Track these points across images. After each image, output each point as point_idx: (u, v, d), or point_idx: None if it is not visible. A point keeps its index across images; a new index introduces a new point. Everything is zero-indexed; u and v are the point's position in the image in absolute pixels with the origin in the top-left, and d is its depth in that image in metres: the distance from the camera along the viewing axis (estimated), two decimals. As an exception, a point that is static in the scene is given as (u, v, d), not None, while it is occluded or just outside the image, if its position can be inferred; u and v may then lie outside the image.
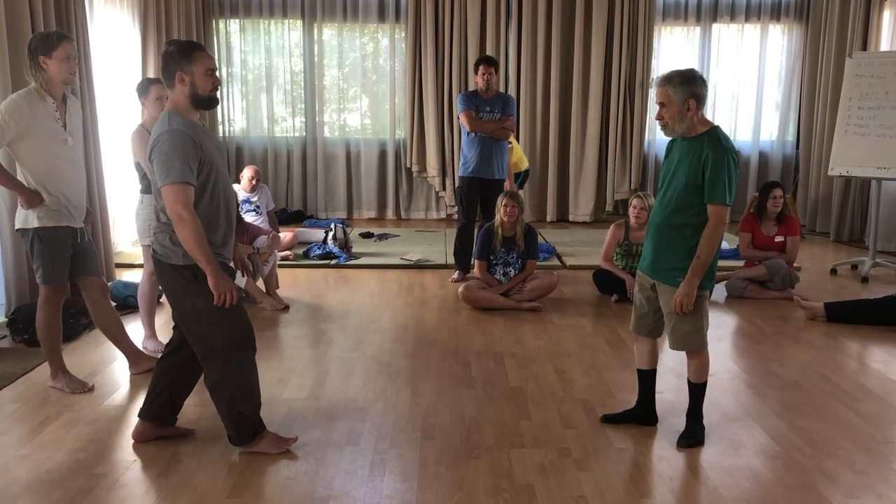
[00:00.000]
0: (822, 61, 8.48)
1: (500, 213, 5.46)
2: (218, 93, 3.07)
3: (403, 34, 9.04)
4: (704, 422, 3.43)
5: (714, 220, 3.12)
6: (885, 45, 7.64)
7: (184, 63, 2.94)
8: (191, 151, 2.89)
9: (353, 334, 4.88)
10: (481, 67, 6.09)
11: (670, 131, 3.22)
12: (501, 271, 5.57)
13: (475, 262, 5.70)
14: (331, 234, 7.22)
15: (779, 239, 5.91)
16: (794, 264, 6.01)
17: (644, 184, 9.13)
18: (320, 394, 3.88)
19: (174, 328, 3.29)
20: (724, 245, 7.23)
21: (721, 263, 6.66)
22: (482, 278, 5.58)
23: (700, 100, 3.15)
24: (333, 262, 6.84)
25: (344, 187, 9.39)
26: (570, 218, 9.29)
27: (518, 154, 7.55)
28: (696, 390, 3.39)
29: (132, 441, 3.32)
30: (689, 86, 3.12)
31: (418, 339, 4.79)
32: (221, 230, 3.05)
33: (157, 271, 3.10)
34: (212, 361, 3.09)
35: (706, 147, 3.12)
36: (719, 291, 5.95)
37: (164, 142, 2.89)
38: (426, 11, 8.82)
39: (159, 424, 3.32)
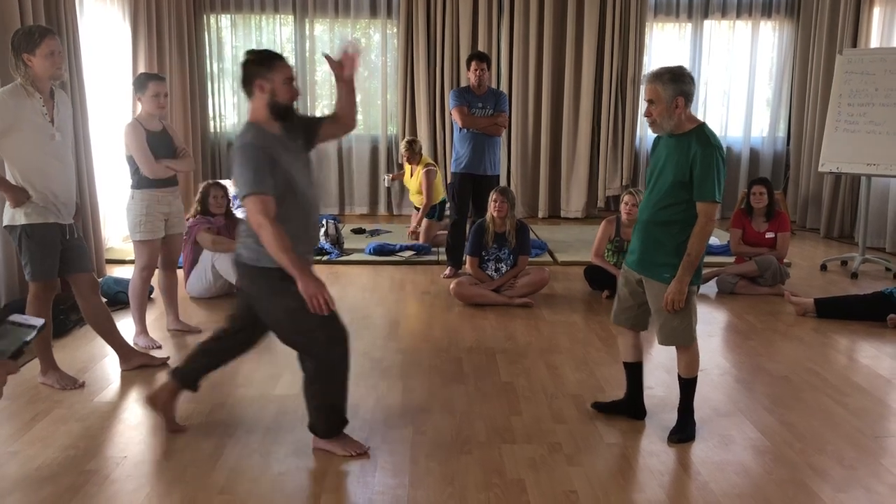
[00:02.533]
0: (813, 58, 8.51)
1: (491, 209, 5.47)
2: (296, 104, 3.09)
3: (395, 30, 9.03)
4: (695, 417, 3.45)
5: (703, 217, 3.14)
6: (874, 42, 7.67)
7: (263, 71, 2.95)
8: (263, 163, 2.88)
9: (344, 330, 4.87)
10: (473, 63, 6.08)
11: (658, 128, 3.23)
12: (493, 267, 5.58)
13: (467, 258, 5.70)
14: (323, 230, 7.21)
15: (769, 235, 5.94)
16: (785, 260, 6.03)
17: (635, 180, 9.15)
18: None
19: (231, 317, 3.32)
20: (716, 241, 7.27)
21: (712, 259, 6.73)
22: (474, 274, 5.59)
23: (688, 97, 3.16)
24: (325, 258, 6.84)
25: (336, 183, 9.37)
26: (562, 214, 9.30)
27: (438, 187, 7.68)
28: (687, 385, 3.40)
29: (123, 435, 3.32)
30: (677, 83, 3.14)
31: (410, 336, 4.79)
32: (300, 240, 2.99)
33: (247, 277, 3.08)
34: (310, 355, 3.10)
35: (694, 144, 3.13)
36: (710, 287, 5.97)
37: (238, 155, 2.93)
38: (418, 7, 8.81)
39: (179, 390, 3.34)
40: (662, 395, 3.83)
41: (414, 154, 7.74)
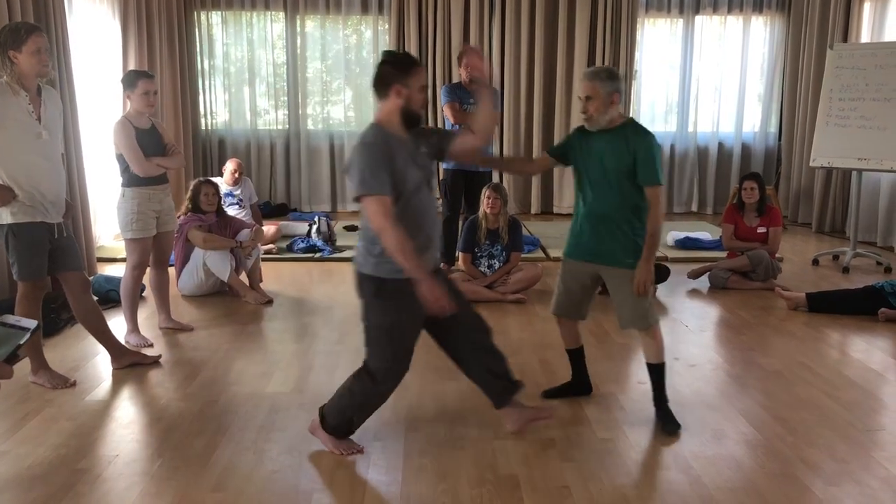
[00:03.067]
0: (804, 53, 8.53)
1: (483, 205, 5.47)
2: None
3: (387, 26, 9.01)
4: (687, 411, 3.46)
5: (654, 200, 3.30)
6: (865, 37, 7.69)
7: (402, 76, 2.93)
8: (382, 164, 2.85)
9: (337, 328, 4.87)
10: (465, 60, 6.07)
11: (594, 123, 3.36)
12: (486, 263, 5.58)
13: (459, 255, 5.69)
14: (315, 227, 7.20)
15: (761, 230, 5.95)
16: (777, 255, 6.05)
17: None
18: (304, 388, 3.87)
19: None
20: (707, 236, 7.29)
21: (704, 255, 6.74)
22: (467, 270, 5.59)
23: (621, 94, 3.38)
24: (317, 255, 6.83)
25: (328, 180, 9.36)
26: (555, 210, 9.31)
27: None
28: (658, 371, 3.49)
29: (115, 434, 3.30)
30: (614, 81, 3.31)
31: (403, 332, 4.78)
32: (418, 243, 2.94)
33: (357, 280, 3.05)
34: (366, 372, 3.11)
35: (631, 136, 3.31)
36: (702, 282, 5.99)
37: (356, 155, 2.91)
38: (409, 3, 8.80)
39: (508, 405, 3.30)
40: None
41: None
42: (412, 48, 8.83)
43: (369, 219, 2.88)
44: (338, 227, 8.02)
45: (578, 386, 3.79)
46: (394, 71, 2.95)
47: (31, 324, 1.93)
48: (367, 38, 9.24)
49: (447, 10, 8.83)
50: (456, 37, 8.84)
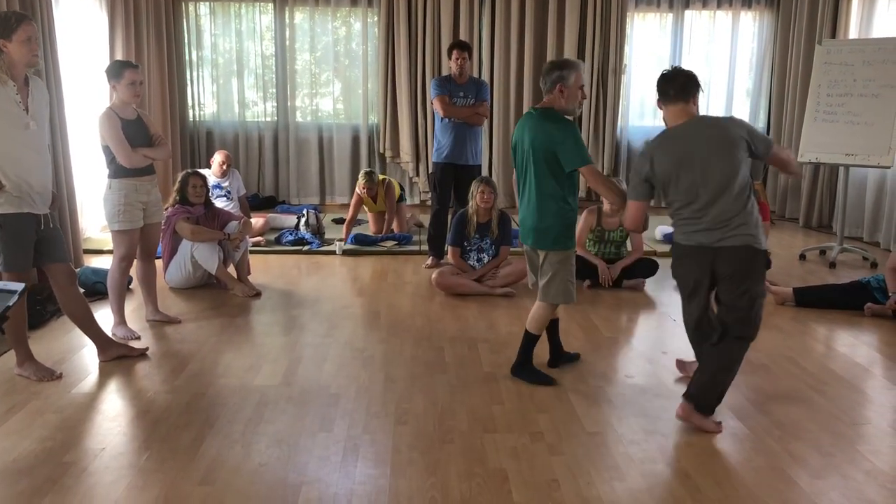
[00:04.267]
0: (793, 48, 8.56)
1: (476, 200, 5.45)
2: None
3: (376, 18, 8.97)
4: (674, 404, 3.46)
5: (591, 176, 3.62)
6: (853, 33, 7.72)
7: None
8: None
9: (325, 320, 4.86)
10: (455, 52, 6.06)
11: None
12: (475, 257, 5.58)
13: (449, 249, 5.69)
14: (303, 219, 7.17)
15: (749, 225, 5.96)
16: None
17: (617, 169, 9.16)
18: (293, 380, 3.86)
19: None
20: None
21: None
22: (456, 264, 5.58)
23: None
24: (306, 248, 6.80)
25: (316, 173, 9.32)
26: (544, 204, 9.29)
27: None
28: (531, 341, 3.88)
29: (101, 427, 3.28)
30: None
31: (392, 325, 4.78)
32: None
33: (748, 258, 3.25)
34: (741, 342, 3.32)
35: (549, 124, 3.64)
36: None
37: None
38: (399, -4, 8.78)
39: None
40: (643, 384, 3.86)
41: (374, 185, 7.10)
42: (402, 40, 8.80)
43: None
44: (326, 219, 8.00)
45: (557, 356, 4.08)
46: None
47: (19, 286, 1.92)
48: (357, 30, 9.20)
49: (437, 1, 8.79)
50: (446, 29, 8.81)
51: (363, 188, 7.08)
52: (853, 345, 4.57)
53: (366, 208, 7.37)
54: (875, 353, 4.46)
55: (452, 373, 4.00)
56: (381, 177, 7.34)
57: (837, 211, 7.19)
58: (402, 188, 7.94)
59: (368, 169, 7.48)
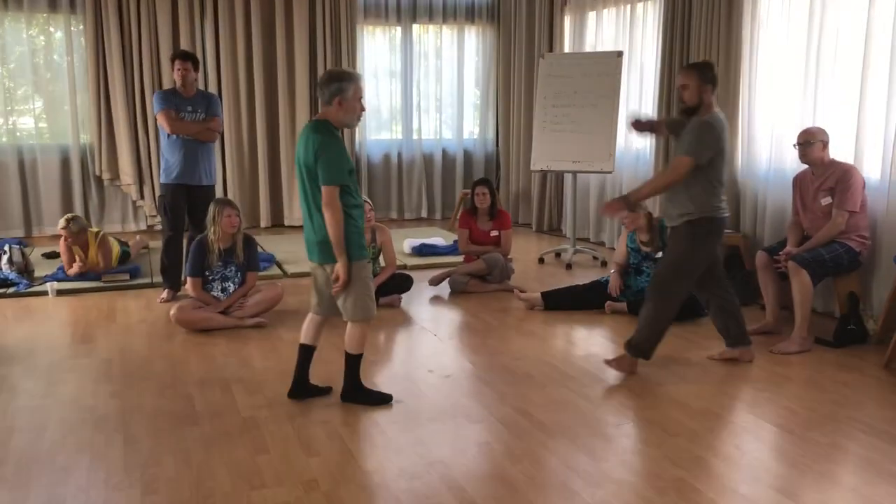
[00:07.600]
0: (515, 62, 8.99)
1: (223, 225, 4.86)
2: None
3: (81, 26, 8.02)
4: (450, 427, 3.32)
5: (327, 197, 3.38)
6: (567, 47, 8.26)
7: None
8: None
9: (43, 377, 4.11)
10: (177, 62, 5.53)
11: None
12: (219, 287, 5.08)
13: (188, 280, 5.11)
14: (5, 257, 6.14)
15: (493, 233, 6.10)
16: (509, 256, 6.23)
17: (361, 181, 9.01)
18: (5, 457, 3.16)
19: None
20: (441, 241, 7.37)
21: (443, 260, 6.78)
22: (197, 296, 5.04)
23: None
24: (11, 290, 5.82)
25: (19, 201, 8.12)
26: (286, 222, 8.93)
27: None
28: (354, 362, 3.70)
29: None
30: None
31: (126, 374, 4.16)
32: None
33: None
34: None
35: (313, 135, 3.47)
36: (443, 288, 6.00)
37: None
38: (107, 1, 7.90)
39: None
40: (415, 407, 3.67)
41: (74, 235, 5.99)
42: (114, 51, 7.96)
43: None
44: (35, 254, 6.96)
45: (303, 386, 3.80)
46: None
47: None
48: (59, 39, 8.14)
49: (152, 8, 8.06)
50: (164, 39, 8.10)
51: (63, 234, 5.98)
52: (602, 344, 4.77)
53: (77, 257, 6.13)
54: (622, 350, 4.68)
55: (206, 423, 3.52)
56: (94, 230, 6.26)
57: (566, 215, 7.63)
58: (125, 247, 6.60)
59: (72, 215, 6.15)
